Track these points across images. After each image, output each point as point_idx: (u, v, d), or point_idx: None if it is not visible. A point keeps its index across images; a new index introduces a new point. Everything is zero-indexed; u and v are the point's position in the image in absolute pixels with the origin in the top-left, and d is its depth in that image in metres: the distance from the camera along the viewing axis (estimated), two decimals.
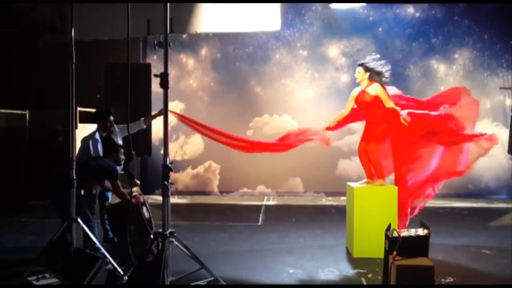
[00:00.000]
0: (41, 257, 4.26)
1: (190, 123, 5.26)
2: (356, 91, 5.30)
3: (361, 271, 4.49)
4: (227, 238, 5.91)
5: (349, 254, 5.12)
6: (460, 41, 9.35)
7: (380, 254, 3.99)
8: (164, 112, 3.71)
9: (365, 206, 5.03)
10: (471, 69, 9.39)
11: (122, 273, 3.94)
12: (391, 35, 9.43)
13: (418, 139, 5.10)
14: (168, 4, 3.67)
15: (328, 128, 5.39)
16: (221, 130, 5.27)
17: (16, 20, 8.13)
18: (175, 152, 9.61)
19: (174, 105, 9.37)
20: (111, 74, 6.41)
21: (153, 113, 5.70)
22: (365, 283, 4.19)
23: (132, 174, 4.17)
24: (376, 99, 5.12)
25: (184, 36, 9.40)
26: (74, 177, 4.17)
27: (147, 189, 8.34)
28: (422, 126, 5.02)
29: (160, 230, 3.65)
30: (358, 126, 6.57)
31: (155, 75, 3.66)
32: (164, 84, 3.62)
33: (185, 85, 9.74)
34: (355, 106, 5.34)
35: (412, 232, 3.76)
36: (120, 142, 5.20)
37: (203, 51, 9.76)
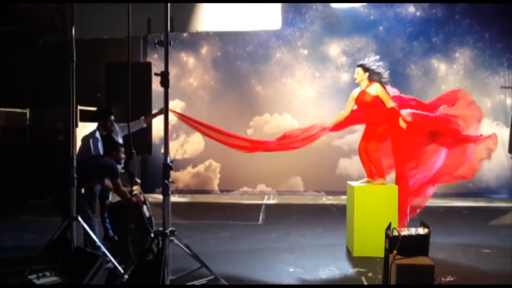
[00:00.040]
0: (41, 256, 4.27)
1: (190, 122, 5.26)
2: (356, 92, 5.29)
3: (362, 270, 4.49)
4: (227, 237, 5.92)
5: (349, 253, 5.12)
6: (461, 40, 9.35)
7: (381, 253, 3.99)
8: (165, 110, 3.71)
9: (365, 205, 5.03)
10: (472, 68, 9.38)
11: (122, 271, 3.95)
12: (391, 34, 9.42)
13: (419, 139, 5.10)
14: (169, 3, 3.67)
15: (329, 129, 5.37)
16: (221, 129, 5.27)
17: (17, 19, 8.13)
18: (175, 150, 9.61)
19: (175, 104, 9.37)
20: (111, 72, 6.40)
21: (153, 111, 5.70)
22: (365, 282, 4.19)
23: (132, 172, 4.17)
24: (377, 99, 5.12)
25: (185, 34, 9.40)
26: (75, 175, 4.18)
27: (147, 188, 8.34)
28: (423, 126, 5.02)
29: (161, 228, 3.65)
30: (359, 125, 6.56)
31: (156, 74, 3.65)
32: (165, 82, 3.62)
33: (185, 84, 9.74)
34: (356, 107, 5.33)
35: (413, 231, 3.76)
36: (120, 140, 5.20)
37: (204, 50, 9.75)
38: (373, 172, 5.26)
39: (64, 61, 4.31)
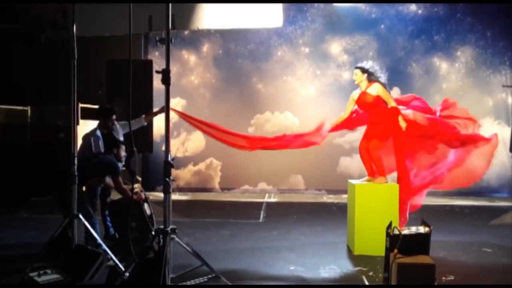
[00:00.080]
0: (42, 253, 4.27)
1: (191, 121, 5.26)
2: (356, 93, 5.28)
3: (362, 268, 4.49)
4: (228, 235, 5.92)
5: (350, 251, 5.12)
6: (463, 39, 9.33)
7: (381, 252, 3.98)
8: (166, 108, 3.71)
9: (366, 204, 5.03)
10: (473, 67, 9.36)
11: (123, 269, 3.95)
12: (393, 32, 9.40)
13: (420, 139, 5.09)
14: (170, 3, 3.66)
15: (329, 131, 5.36)
16: (222, 127, 5.27)
17: (18, 16, 8.12)
18: (176, 148, 9.61)
19: (176, 102, 9.37)
20: (112, 70, 6.40)
21: (154, 110, 5.69)
22: (366, 281, 4.18)
23: (133, 170, 4.18)
24: (378, 99, 5.11)
25: (186, 32, 9.39)
26: (76, 173, 4.18)
27: (148, 186, 8.35)
28: (423, 127, 5.02)
29: (161, 226, 3.65)
30: None
31: (157, 72, 3.65)
32: (166, 80, 3.62)
33: (186, 81, 9.74)
34: (356, 108, 5.33)
35: (413, 230, 3.76)
36: (121, 138, 5.20)
37: (205, 48, 9.75)
38: (374, 170, 5.26)
39: (65, 59, 4.31)
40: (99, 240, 4.28)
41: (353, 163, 9.09)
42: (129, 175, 4.16)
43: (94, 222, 4.53)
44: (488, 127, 8.65)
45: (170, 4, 3.66)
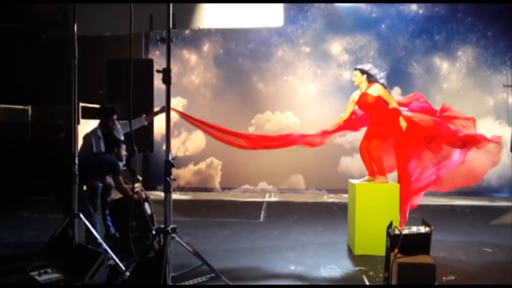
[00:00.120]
0: (43, 252, 4.27)
1: (192, 121, 5.26)
2: (356, 95, 5.28)
3: (363, 268, 4.49)
4: (228, 235, 5.92)
5: (350, 251, 5.12)
6: (464, 38, 9.31)
7: (382, 252, 3.98)
8: (167, 108, 3.71)
9: (366, 203, 5.03)
10: (474, 67, 9.35)
11: (124, 268, 3.95)
12: (394, 32, 9.39)
13: (423, 140, 5.08)
14: (171, 3, 3.66)
15: (327, 132, 5.37)
16: (222, 127, 5.27)
17: (19, 16, 8.13)
18: (177, 148, 9.61)
19: (176, 101, 9.36)
20: (113, 69, 6.39)
21: (155, 109, 5.69)
22: (366, 280, 4.18)
23: (134, 170, 4.18)
24: (379, 99, 5.10)
25: (187, 32, 9.38)
26: (76, 172, 4.18)
27: (149, 185, 8.35)
28: (425, 128, 5.02)
29: (162, 226, 3.65)
30: None
31: (158, 71, 3.66)
32: (167, 80, 3.62)
33: (187, 81, 9.73)
34: (357, 109, 5.33)
35: (414, 229, 3.76)
36: (122, 138, 5.20)
37: (206, 47, 9.74)
38: (375, 170, 5.26)
39: (66, 58, 4.31)
40: (100, 240, 4.28)
41: (354, 162, 9.08)
42: (130, 175, 4.16)
43: (94, 221, 4.53)
44: (488, 127, 8.66)
45: (171, 4, 3.66)
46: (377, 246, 4.55)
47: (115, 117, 5.10)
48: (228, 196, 9.14)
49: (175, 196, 7.96)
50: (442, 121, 5.11)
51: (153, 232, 4.15)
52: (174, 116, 5.00)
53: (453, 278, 4.21)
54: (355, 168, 8.92)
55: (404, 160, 5.15)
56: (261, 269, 4.49)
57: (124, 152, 4.79)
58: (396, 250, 3.60)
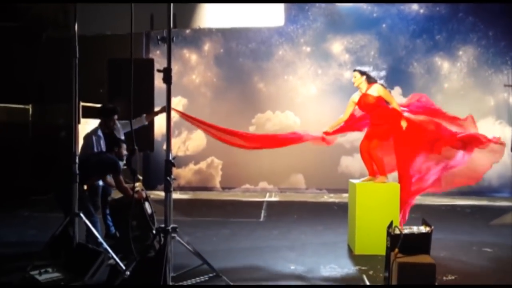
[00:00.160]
0: (43, 252, 4.27)
1: (192, 121, 5.27)
2: (356, 96, 5.28)
3: (363, 268, 4.49)
4: (228, 234, 5.92)
5: (350, 251, 5.12)
6: (464, 38, 9.31)
7: (382, 251, 3.98)
8: (167, 107, 3.71)
9: (367, 203, 5.03)
10: (475, 66, 9.34)
11: (124, 268, 3.95)
12: (395, 31, 9.39)
13: (425, 141, 5.08)
14: (172, 3, 3.66)
15: (326, 133, 5.37)
16: (223, 127, 5.27)
17: (19, 14, 8.12)
18: (177, 147, 9.62)
19: (177, 101, 9.37)
20: (114, 69, 6.39)
21: (155, 109, 5.69)
22: (366, 280, 4.18)
23: (135, 169, 4.18)
24: (380, 99, 5.10)
25: (187, 31, 9.39)
26: (77, 171, 4.18)
27: (149, 185, 8.35)
28: (426, 129, 5.02)
29: (162, 225, 3.65)
30: None
31: (158, 70, 3.66)
32: (167, 79, 3.62)
33: (188, 80, 9.74)
34: (357, 111, 5.33)
35: (414, 229, 3.76)
36: (122, 137, 5.20)
37: (206, 47, 9.74)
38: (375, 170, 5.26)
39: (66, 57, 4.31)
40: (100, 239, 4.28)
41: (354, 162, 9.08)
42: (130, 174, 4.17)
43: (95, 220, 4.54)
44: (489, 127, 8.66)
45: (171, 3, 3.66)
46: (377, 245, 4.55)
47: (115, 117, 5.10)
48: (228, 196, 9.14)
49: (176, 195, 7.99)
50: (442, 121, 5.10)
51: (154, 231, 4.16)
52: (174, 115, 5.01)
53: (453, 278, 4.21)
54: (356, 167, 8.92)
55: (405, 160, 5.15)
56: (261, 268, 4.49)
57: (124, 152, 4.79)
58: (396, 250, 3.60)
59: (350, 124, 5.42)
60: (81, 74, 4.22)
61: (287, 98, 9.58)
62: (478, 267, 4.62)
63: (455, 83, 9.37)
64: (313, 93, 9.59)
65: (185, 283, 3.83)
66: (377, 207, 4.97)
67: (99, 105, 5.39)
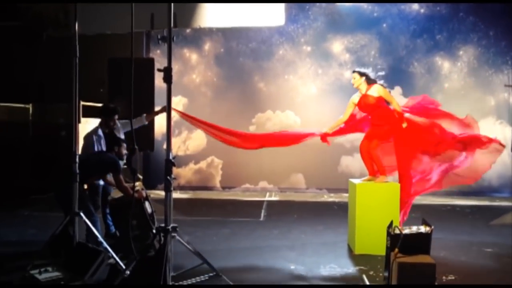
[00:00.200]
0: (43, 251, 4.28)
1: (192, 121, 5.27)
2: (356, 97, 5.27)
3: (363, 268, 4.49)
4: (228, 234, 5.92)
5: (350, 250, 5.12)
6: (465, 38, 9.30)
7: (382, 251, 3.98)
8: (167, 107, 3.71)
9: (367, 203, 5.03)
10: (475, 66, 9.34)
11: (124, 267, 3.95)
12: (395, 31, 9.38)
13: (423, 142, 5.08)
14: (172, 3, 3.66)
15: (326, 134, 5.37)
16: (223, 127, 5.27)
17: (20, 14, 8.12)
18: (177, 147, 9.61)
19: (177, 100, 9.36)
20: (114, 68, 6.39)
21: (156, 109, 5.69)
22: (366, 280, 4.18)
23: (135, 168, 4.18)
24: (380, 100, 5.10)
25: (188, 30, 9.38)
26: (77, 171, 4.18)
27: (149, 184, 8.36)
28: (427, 130, 5.02)
29: (162, 225, 3.65)
30: None
31: (159, 70, 3.66)
32: (168, 78, 3.63)
33: (188, 80, 9.73)
34: (356, 112, 5.33)
35: (414, 229, 3.76)
36: (122, 137, 5.20)
37: (207, 46, 9.74)
38: (375, 170, 5.25)
39: (67, 57, 4.32)
40: (100, 238, 4.28)
41: (354, 162, 9.08)
42: (131, 173, 4.17)
43: (95, 220, 4.54)
44: (490, 127, 8.65)
45: (172, 3, 3.66)
46: (377, 245, 4.55)
47: (116, 117, 5.10)
48: (228, 195, 9.14)
49: (176, 195, 7.98)
50: (443, 122, 5.09)
51: (154, 231, 4.16)
52: (174, 115, 5.01)
53: (453, 277, 4.21)
54: (356, 167, 8.92)
55: (405, 160, 5.14)
56: (261, 268, 4.49)
57: (124, 151, 4.80)
58: (396, 250, 3.60)
59: (350, 126, 5.42)
60: (82, 73, 4.22)
61: (288, 97, 9.57)
62: (478, 267, 4.62)
63: (456, 83, 9.36)
64: (314, 93, 9.58)
65: (185, 282, 3.83)
66: (377, 207, 4.97)
67: (99, 105, 5.39)
